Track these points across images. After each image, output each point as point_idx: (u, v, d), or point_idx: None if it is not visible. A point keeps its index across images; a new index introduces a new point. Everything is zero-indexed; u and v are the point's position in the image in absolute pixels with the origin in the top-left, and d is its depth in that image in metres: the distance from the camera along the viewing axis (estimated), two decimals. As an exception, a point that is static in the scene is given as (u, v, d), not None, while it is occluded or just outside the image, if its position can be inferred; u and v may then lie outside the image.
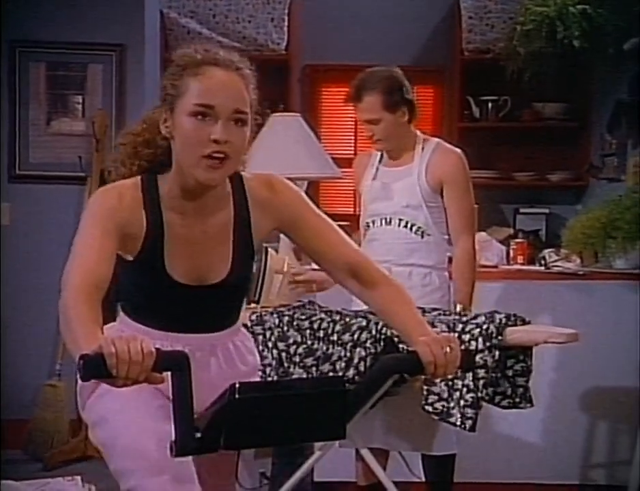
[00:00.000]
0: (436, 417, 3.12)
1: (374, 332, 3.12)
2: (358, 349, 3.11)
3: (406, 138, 3.54)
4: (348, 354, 3.13)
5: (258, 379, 2.28)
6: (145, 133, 2.07)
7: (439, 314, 3.28)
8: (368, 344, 3.11)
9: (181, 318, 2.11)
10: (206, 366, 2.12)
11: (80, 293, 1.86)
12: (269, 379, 3.17)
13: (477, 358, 2.99)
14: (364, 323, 3.13)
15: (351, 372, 3.09)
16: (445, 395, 3.07)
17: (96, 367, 1.65)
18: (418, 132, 3.59)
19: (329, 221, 2.14)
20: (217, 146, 1.90)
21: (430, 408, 3.11)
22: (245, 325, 3.10)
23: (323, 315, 3.27)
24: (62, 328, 1.84)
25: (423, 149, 3.54)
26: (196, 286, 2.08)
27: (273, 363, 3.27)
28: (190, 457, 1.94)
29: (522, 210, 5.64)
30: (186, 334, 2.12)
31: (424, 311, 3.31)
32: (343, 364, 3.13)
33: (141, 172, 2.06)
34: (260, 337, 3.29)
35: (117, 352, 1.60)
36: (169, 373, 1.70)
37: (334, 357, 3.15)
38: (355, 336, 3.12)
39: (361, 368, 3.05)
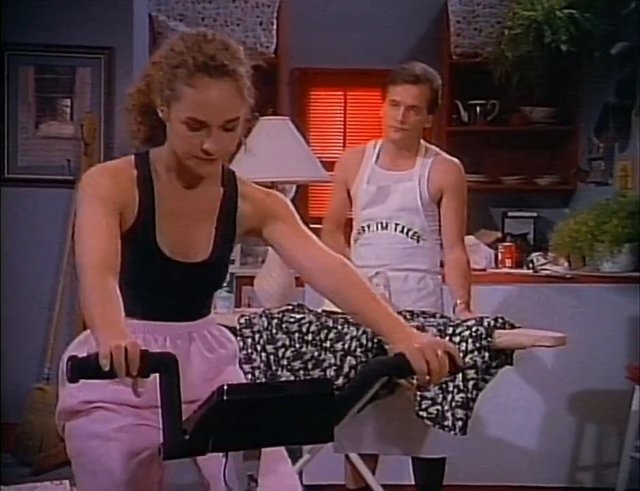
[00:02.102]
0: (429, 423, 3.12)
1: (364, 341, 3.13)
2: (349, 358, 3.13)
3: (416, 141, 3.55)
4: (338, 362, 3.14)
5: (238, 364, 2.28)
6: (150, 92, 2.06)
7: (430, 317, 3.28)
8: (358, 353, 3.12)
9: (164, 300, 2.10)
10: (187, 353, 2.12)
11: (98, 276, 1.87)
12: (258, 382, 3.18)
13: (467, 359, 3.02)
14: (355, 332, 3.15)
15: (340, 381, 3.10)
16: (440, 398, 3.08)
17: (84, 369, 1.66)
18: (422, 140, 3.60)
19: (309, 232, 2.19)
20: (208, 154, 1.98)
21: (424, 414, 3.11)
22: (233, 328, 3.12)
23: (312, 318, 3.27)
24: (85, 312, 1.85)
25: (425, 155, 3.55)
26: (182, 262, 2.09)
27: (262, 366, 3.27)
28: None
29: (510, 213, 5.65)
30: (165, 322, 2.12)
31: (414, 314, 3.33)
32: (333, 372, 3.14)
33: (144, 137, 2.12)
34: (249, 340, 3.30)
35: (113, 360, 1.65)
36: (157, 375, 1.70)
37: (325, 364, 3.16)
38: (347, 345, 3.14)
39: (352, 377, 3.07)
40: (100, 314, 1.80)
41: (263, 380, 3.22)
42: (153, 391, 1.72)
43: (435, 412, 3.09)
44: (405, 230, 3.51)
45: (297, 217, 2.20)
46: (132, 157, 2.10)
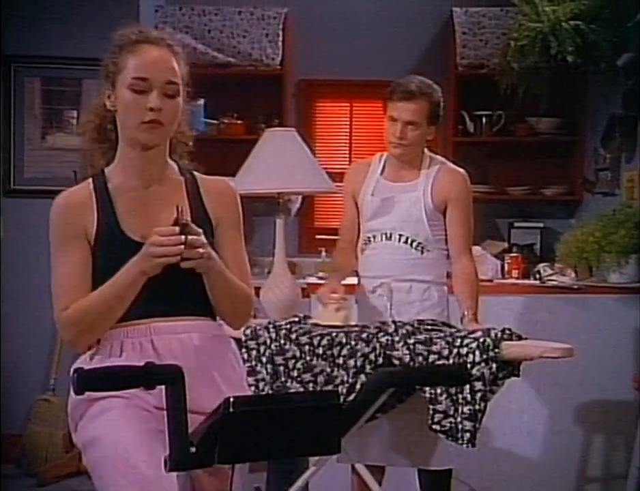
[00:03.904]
0: (443, 436, 3.11)
1: (373, 357, 3.13)
2: (361, 375, 3.12)
3: (419, 153, 3.54)
4: (351, 379, 3.13)
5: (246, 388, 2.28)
6: (96, 118, 2.28)
7: (437, 329, 3.27)
8: (368, 370, 3.12)
9: (160, 292, 2.12)
10: (195, 363, 2.13)
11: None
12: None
13: (474, 370, 3.00)
14: (366, 349, 3.15)
15: (352, 398, 3.08)
16: (451, 411, 3.07)
17: (89, 381, 1.66)
18: (426, 150, 3.59)
19: (240, 253, 2.30)
20: (153, 114, 2.14)
21: (437, 427, 3.10)
22: (238, 340, 3.11)
23: (322, 331, 3.26)
24: (87, 315, 2.13)
25: (429, 166, 3.55)
26: None
27: (267, 378, 3.26)
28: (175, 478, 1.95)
29: (516, 224, 5.64)
30: (169, 319, 2.15)
31: (422, 323, 3.31)
32: (345, 389, 3.13)
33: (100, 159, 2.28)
34: (254, 352, 3.29)
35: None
36: (163, 387, 1.70)
37: (337, 381, 3.15)
38: (359, 363, 3.13)
39: None
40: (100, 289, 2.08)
41: (269, 392, 3.21)
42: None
43: (448, 425, 3.08)
44: (409, 241, 3.51)
45: (239, 222, 2.32)
46: (90, 178, 2.25)
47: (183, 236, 2.02)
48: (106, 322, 2.12)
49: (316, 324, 3.36)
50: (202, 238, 2.08)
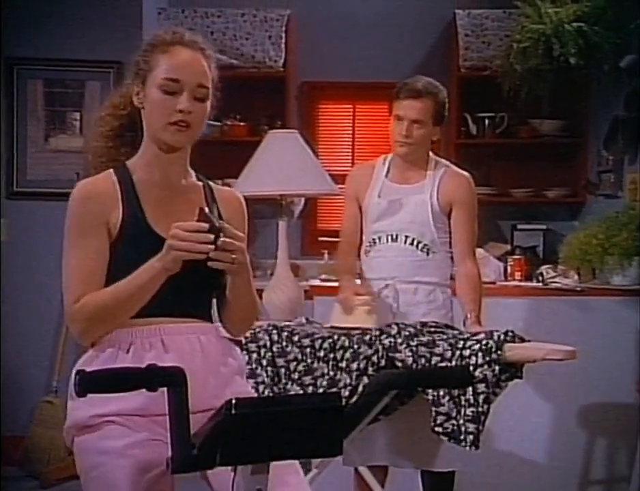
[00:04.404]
0: (445, 438, 3.11)
1: (375, 360, 3.13)
2: (364, 378, 3.12)
3: (424, 154, 3.55)
4: (354, 382, 3.13)
5: (245, 376, 2.28)
6: (118, 111, 2.29)
7: (441, 331, 3.27)
8: (370, 371, 3.12)
9: (165, 292, 2.10)
10: (198, 363, 2.13)
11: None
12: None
13: (477, 372, 3.00)
14: (369, 351, 3.14)
15: (355, 400, 3.08)
16: (454, 413, 3.07)
17: (91, 383, 1.65)
18: (431, 153, 3.60)
19: None
20: (182, 115, 2.14)
21: (440, 429, 3.10)
22: (239, 342, 3.11)
23: (324, 334, 3.26)
24: (98, 309, 2.10)
25: (435, 168, 3.55)
26: None
27: (267, 380, 3.26)
28: None
29: (519, 226, 5.64)
30: (177, 320, 2.15)
31: (425, 325, 3.31)
32: (348, 392, 3.13)
33: (118, 154, 2.27)
34: (254, 355, 3.29)
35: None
36: (165, 389, 1.70)
37: (341, 384, 3.16)
38: (362, 365, 3.13)
39: None
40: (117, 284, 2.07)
41: (269, 395, 3.21)
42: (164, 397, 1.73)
43: (450, 427, 3.08)
44: (415, 243, 3.51)
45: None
46: (111, 170, 2.23)
47: (211, 235, 2.00)
48: (119, 318, 2.10)
49: (337, 328, 3.33)
50: (239, 243, 2.05)
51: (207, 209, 2.07)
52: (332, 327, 3.39)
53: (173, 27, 2.29)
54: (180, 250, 1.99)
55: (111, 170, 2.22)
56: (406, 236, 3.51)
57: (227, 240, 2.01)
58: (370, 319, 3.34)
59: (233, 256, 2.03)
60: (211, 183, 2.32)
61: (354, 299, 3.40)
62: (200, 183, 2.29)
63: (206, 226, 2.00)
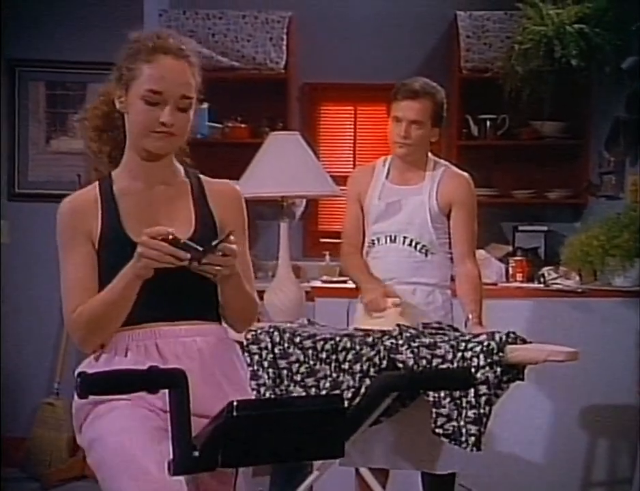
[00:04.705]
0: (446, 439, 3.11)
1: (377, 361, 3.13)
2: (366, 379, 3.12)
3: (423, 155, 3.55)
4: (357, 384, 3.13)
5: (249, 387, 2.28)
6: (103, 106, 2.28)
7: (442, 333, 3.26)
8: (372, 373, 3.12)
9: (167, 295, 2.12)
10: (198, 365, 2.13)
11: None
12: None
13: (479, 374, 3.00)
14: (370, 353, 3.15)
15: (356, 402, 3.08)
16: (455, 414, 3.07)
17: (93, 385, 1.65)
18: (430, 154, 3.60)
19: (244, 257, 2.25)
20: (165, 127, 2.13)
21: (440, 431, 3.09)
22: (240, 343, 3.11)
23: (326, 336, 3.26)
24: (93, 317, 2.12)
25: (434, 169, 3.55)
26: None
27: (269, 382, 3.26)
28: (183, 479, 1.94)
29: (521, 227, 5.64)
30: (174, 323, 2.15)
31: (427, 326, 3.31)
32: (350, 394, 3.13)
33: (109, 160, 2.27)
34: (256, 357, 3.28)
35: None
36: (166, 391, 1.70)
37: (344, 386, 3.15)
38: (365, 367, 3.13)
39: None
40: (103, 291, 2.09)
41: (271, 396, 3.21)
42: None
43: (451, 429, 3.08)
44: (414, 244, 3.51)
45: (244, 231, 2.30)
46: (97, 181, 2.25)
47: (180, 251, 1.98)
48: (111, 324, 2.12)
49: (364, 330, 3.31)
50: (225, 258, 2.03)
51: (184, 239, 2.02)
52: (357, 329, 3.37)
53: (157, 30, 2.27)
54: (149, 258, 2.00)
55: (97, 182, 2.24)
56: (405, 238, 3.51)
57: (210, 258, 2.00)
58: (402, 321, 3.28)
59: (217, 268, 2.03)
60: (202, 176, 2.31)
61: (384, 300, 3.39)
62: (188, 180, 2.27)
63: (170, 229, 1.99)
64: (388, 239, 3.54)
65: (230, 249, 2.03)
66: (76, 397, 2.13)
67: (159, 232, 1.99)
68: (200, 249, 2.00)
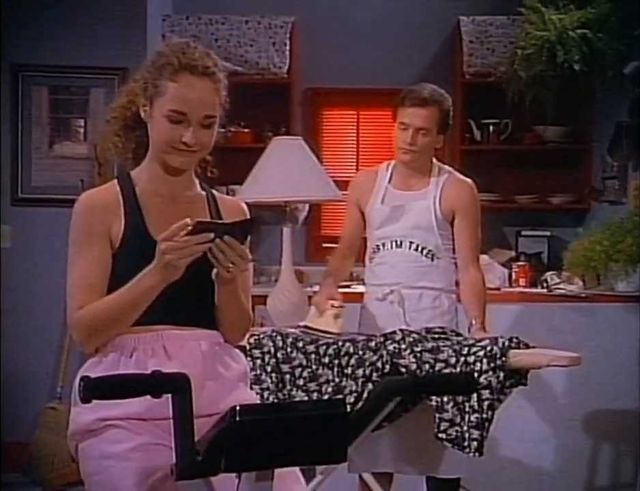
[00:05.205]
0: (449, 444, 3.11)
1: (380, 365, 3.13)
2: (369, 384, 3.12)
3: (428, 161, 3.55)
4: (360, 389, 3.13)
5: (249, 383, 2.28)
6: (131, 105, 2.26)
7: (445, 337, 3.26)
8: (374, 377, 3.13)
9: (175, 299, 2.11)
10: (201, 369, 2.13)
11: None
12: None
13: (482, 379, 3.00)
14: (373, 357, 3.15)
15: (359, 406, 3.08)
16: (458, 419, 3.06)
17: (96, 390, 1.65)
18: (434, 159, 3.60)
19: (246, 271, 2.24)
20: (187, 146, 2.14)
21: (443, 435, 3.09)
22: (243, 348, 3.11)
23: (328, 340, 3.26)
24: (99, 319, 2.12)
25: (438, 174, 3.55)
26: None
27: (272, 386, 3.26)
28: None
29: (524, 232, 5.64)
30: (180, 328, 2.15)
31: (430, 331, 3.31)
32: (353, 399, 3.13)
33: (133, 157, 2.28)
34: (259, 361, 3.29)
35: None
36: (169, 395, 1.70)
37: (346, 391, 3.16)
38: (367, 371, 3.14)
39: None
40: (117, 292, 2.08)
41: (274, 401, 3.20)
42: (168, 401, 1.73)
43: (454, 433, 3.07)
44: (420, 249, 3.51)
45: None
46: (115, 180, 2.24)
47: (197, 236, 1.99)
48: (119, 327, 2.11)
49: (309, 328, 3.35)
50: (237, 255, 2.04)
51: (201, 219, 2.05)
52: (305, 327, 3.39)
53: (183, 44, 2.20)
54: (174, 251, 1.98)
55: (115, 181, 2.23)
56: (411, 242, 3.51)
57: (230, 242, 2.02)
58: (335, 325, 3.35)
59: (231, 265, 2.04)
60: (215, 192, 2.33)
61: (326, 302, 3.40)
62: (204, 193, 2.30)
63: (188, 221, 1.99)
64: (394, 243, 3.53)
65: (231, 245, 2.03)
66: (74, 410, 2.13)
67: (179, 228, 1.98)
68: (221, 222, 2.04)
